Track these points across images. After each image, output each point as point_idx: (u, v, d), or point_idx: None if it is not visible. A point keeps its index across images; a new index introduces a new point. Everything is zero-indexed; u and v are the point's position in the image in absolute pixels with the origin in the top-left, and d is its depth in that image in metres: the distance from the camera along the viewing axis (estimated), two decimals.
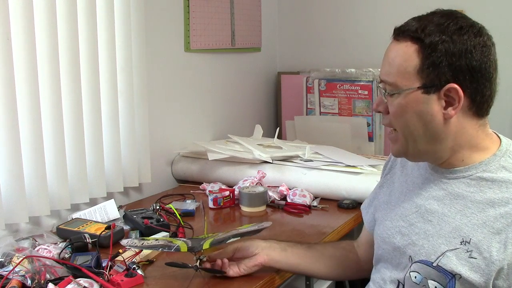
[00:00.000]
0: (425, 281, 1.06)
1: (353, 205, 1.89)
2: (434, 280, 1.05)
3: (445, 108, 1.04)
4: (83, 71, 1.80)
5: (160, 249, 1.35)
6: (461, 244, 1.03)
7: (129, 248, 1.41)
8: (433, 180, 1.12)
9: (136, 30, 2.00)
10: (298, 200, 1.91)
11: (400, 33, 1.07)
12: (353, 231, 2.15)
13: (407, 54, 1.04)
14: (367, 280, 1.29)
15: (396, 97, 1.06)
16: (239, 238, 1.40)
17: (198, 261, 1.30)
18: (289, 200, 1.93)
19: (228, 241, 1.40)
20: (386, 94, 1.08)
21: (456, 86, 1.01)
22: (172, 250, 1.32)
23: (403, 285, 1.12)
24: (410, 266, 1.10)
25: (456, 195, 1.07)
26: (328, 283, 1.98)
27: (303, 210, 1.87)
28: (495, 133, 1.13)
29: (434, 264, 1.05)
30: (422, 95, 1.04)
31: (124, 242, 1.37)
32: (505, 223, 1.00)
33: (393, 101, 1.07)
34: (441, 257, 1.04)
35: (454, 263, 1.02)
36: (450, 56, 1.01)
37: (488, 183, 1.05)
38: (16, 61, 1.57)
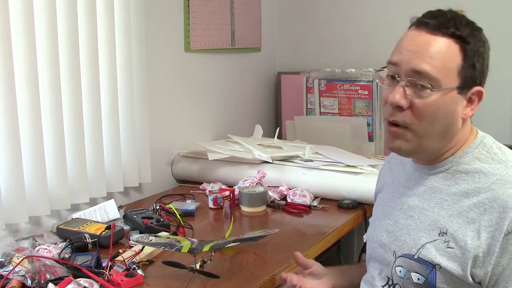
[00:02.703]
0: (408, 274, 1.09)
1: (353, 205, 1.89)
2: (416, 272, 1.08)
3: (465, 108, 1.06)
4: (83, 71, 1.80)
5: (162, 248, 1.35)
6: (439, 235, 1.06)
7: (134, 244, 1.41)
8: (415, 178, 1.16)
9: (136, 30, 2.00)
10: (298, 200, 1.91)
11: (438, 27, 1.02)
12: (353, 231, 2.16)
13: (452, 51, 1.02)
14: None
15: (433, 93, 1.02)
16: (238, 243, 1.41)
17: (199, 263, 1.30)
18: (289, 200, 1.93)
19: (227, 246, 1.41)
20: (422, 88, 1.01)
21: (482, 89, 1.05)
22: (173, 250, 1.33)
23: (392, 280, 1.14)
24: (395, 261, 1.13)
25: (434, 189, 1.11)
26: None
27: (303, 210, 1.87)
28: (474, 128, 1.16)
29: (415, 257, 1.08)
30: (457, 95, 1.04)
31: (134, 237, 1.40)
32: (478, 212, 1.03)
33: (428, 97, 1.02)
34: (421, 249, 1.07)
35: (433, 253, 1.05)
36: (483, 60, 1.05)
37: (463, 175, 1.08)
38: (16, 61, 1.58)
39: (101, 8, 1.86)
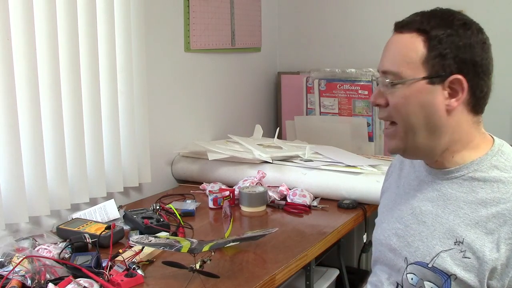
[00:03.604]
0: (421, 283, 1.07)
1: (353, 205, 1.89)
2: (430, 281, 1.05)
3: (448, 99, 1.05)
4: (83, 71, 1.80)
5: (162, 248, 1.36)
6: (455, 244, 1.03)
7: (134, 244, 1.42)
8: (427, 182, 1.13)
9: (136, 30, 2.00)
10: (298, 200, 1.91)
11: (404, 26, 1.07)
12: (353, 231, 2.16)
13: (413, 44, 1.05)
14: (366, 280, 1.29)
15: (400, 87, 1.05)
16: (238, 242, 1.41)
17: (199, 263, 1.30)
18: (289, 200, 1.93)
19: (227, 245, 1.41)
20: (389, 84, 1.06)
21: (461, 77, 1.03)
22: (173, 250, 1.33)
23: (402, 287, 1.12)
24: (406, 268, 1.10)
25: (449, 196, 1.08)
26: (328, 282, 1.99)
27: (303, 210, 1.87)
28: (490, 135, 1.13)
29: (430, 265, 1.05)
30: (426, 85, 1.04)
31: (133, 238, 1.41)
32: (497, 223, 1.01)
33: (396, 91, 1.06)
34: (436, 258, 1.05)
35: (449, 263, 1.03)
36: (456, 49, 1.03)
37: (480, 183, 1.05)
38: (16, 61, 1.58)
39: (101, 8, 1.86)
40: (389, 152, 1.15)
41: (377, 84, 1.11)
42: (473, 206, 1.04)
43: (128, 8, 1.96)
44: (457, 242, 1.03)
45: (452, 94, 1.04)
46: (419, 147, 1.09)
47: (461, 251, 1.02)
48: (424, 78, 1.04)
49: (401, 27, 1.08)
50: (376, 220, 1.27)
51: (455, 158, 1.08)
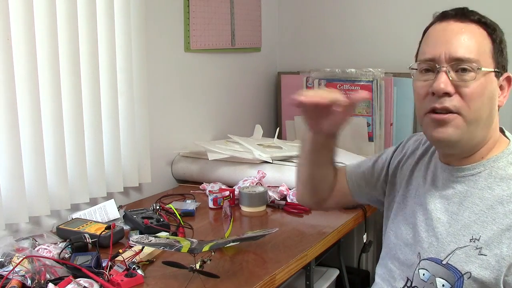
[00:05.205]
0: (433, 279, 1.06)
1: (353, 205, 1.88)
2: (442, 278, 1.05)
3: (499, 95, 1.07)
4: (83, 71, 1.80)
5: (162, 248, 1.36)
6: (471, 241, 1.03)
7: (134, 244, 1.42)
8: (443, 179, 1.12)
9: (136, 30, 2.00)
10: None
11: (464, 15, 1.05)
12: (353, 231, 2.15)
13: (483, 36, 1.04)
14: (366, 279, 1.29)
15: (477, 75, 1.01)
16: (238, 242, 1.41)
17: (199, 263, 1.30)
18: (289, 200, 1.93)
19: (227, 245, 1.42)
20: (470, 70, 1.01)
21: (510, 74, 1.06)
22: (173, 250, 1.33)
23: (412, 282, 1.12)
24: (419, 263, 1.10)
25: (465, 192, 1.08)
26: (328, 282, 1.99)
27: (303, 210, 1.87)
28: (502, 130, 1.15)
29: (444, 262, 1.05)
30: (494, 79, 1.05)
31: (133, 238, 1.42)
32: None
33: (472, 79, 1.01)
34: (450, 255, 1.04)
35: (464, 260, 1.03)
36: (505, 47, 1.06)
37: (497, 180, 1.05)
38: (16, 61, 1.57)
39: (101, 8, 1.86)
40: (435, 140, 1.07)
41: (437, 72, 1.03)
42: (489, 203, 1.04)
43: (128, 8, 1.96)
44: (473, 239, 1.03)
45: (501, 90, 1.07)
46: (473, 140, 1.06)
47: (477, 248, 1.02)
48: (494, 71, 1.04)
49: (462, 15, 1.05)
50: (393, 214, 1.25)
51: (484, 157, 1.08)
